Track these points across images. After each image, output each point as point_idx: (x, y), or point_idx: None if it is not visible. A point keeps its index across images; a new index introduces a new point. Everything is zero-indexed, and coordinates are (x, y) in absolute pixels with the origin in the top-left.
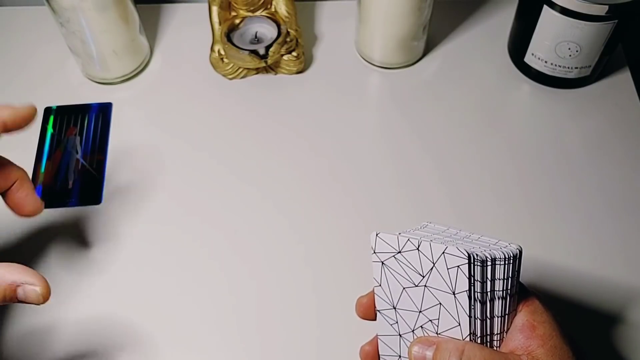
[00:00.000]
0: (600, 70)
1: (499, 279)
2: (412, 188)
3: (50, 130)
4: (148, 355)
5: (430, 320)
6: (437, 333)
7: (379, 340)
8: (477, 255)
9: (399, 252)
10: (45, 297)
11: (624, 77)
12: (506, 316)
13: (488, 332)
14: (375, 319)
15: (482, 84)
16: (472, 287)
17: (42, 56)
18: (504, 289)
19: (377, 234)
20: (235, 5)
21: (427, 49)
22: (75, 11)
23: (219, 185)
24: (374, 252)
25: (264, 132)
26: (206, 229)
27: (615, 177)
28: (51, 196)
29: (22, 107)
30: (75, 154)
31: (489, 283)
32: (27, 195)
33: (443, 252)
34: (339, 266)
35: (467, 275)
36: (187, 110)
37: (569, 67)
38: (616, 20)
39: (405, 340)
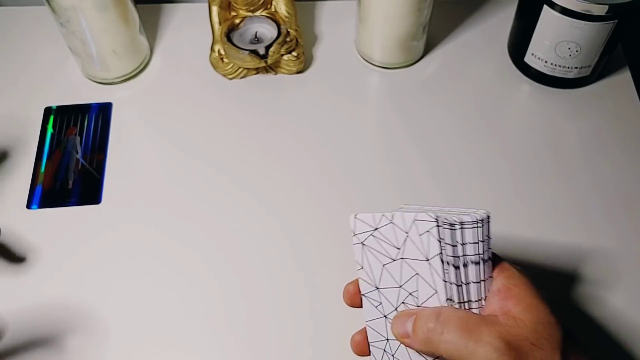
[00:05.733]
0: (600, 70)
1: (470, 243)
2: (412, 188)
3: (50, 130)
4: (149, 355)
5: (411, 294)
6: (417, 306)
7: (367, 327)
8: (445, 218)
9: (376, 228)
10: None
11: (624, 77)
12: (482, 282)
13: (465, 299)
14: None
15: (482, 84)
16: (444, 251)
17: (42, 56)
18: (476, 253)
19: (355, 216)
20: (235, 5)
21: (427, 49)
22: (75, 11)
23: (219, 183)
24: (354, 234)
25: (263, 131)
26: (206, 228)
27: (615, 177)
28: (51, 196)
29: None
30: (75, 153)
31: (460, 247)
32: None
33: (414, 220)
34: (339, 267)
35: (437, 238)
36: (187, 110)
37: (568, 67)
38: (616, 20)
39: (390, 321)
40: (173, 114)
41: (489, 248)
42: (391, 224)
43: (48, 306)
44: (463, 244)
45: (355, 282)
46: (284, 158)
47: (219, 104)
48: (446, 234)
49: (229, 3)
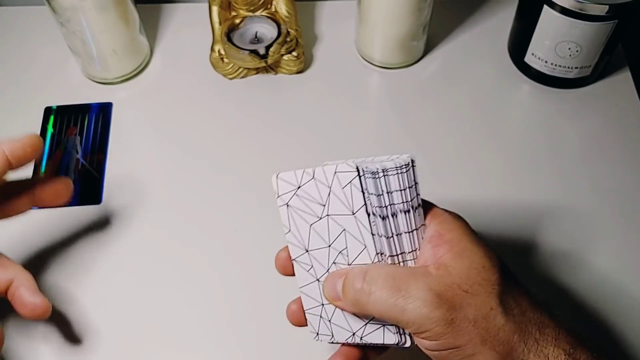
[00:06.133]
0: (600, 70)
1: (396, 191)
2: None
3: (50, 130)
4: (149, 355)
5: (340, 252)
6: (348, 264)
7: (300, 293)
8: (365, 167)
9: (299, 187)
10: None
11: (624, 77)
12: (414, 232)
13: (398, 251)
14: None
15: (482, 84)
16: (368, 202)
17: (42, 56)
18: (404, 201)
19: (277, 176)
20: (235, 5)
21: (427, 49)
22: (75, 11)
23: (219, 183)
24: (278, 196)
25: (263, 131)
26: (206, 228)
27: (615, 177)
28: None
29: (23, 138)
30: (75, 153)
31: (385, 196)
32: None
33: (335, 172)
34: None
35: (360, 189)
36: (187, 110)
37: (569, 67)
38: (616, 20)
39: (322, 284)
40: (173, 113)
41: (418, 194)
42: (313, 180)
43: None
44: (389, 193)
45: (286, 249)
46: (284, 158)
47: (219, 103)
48: (370, 183)
49: (229, 3)
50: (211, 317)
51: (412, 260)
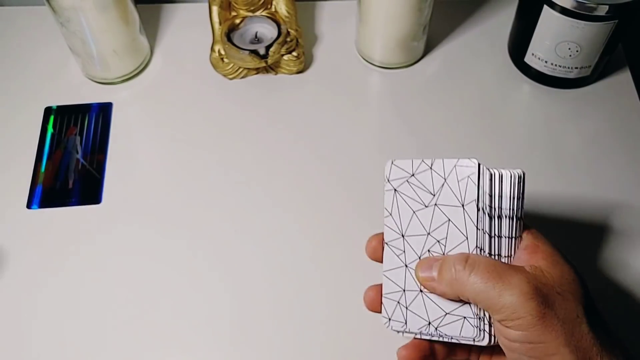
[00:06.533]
0: (600, 70)
1: (506, 197)
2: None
3: (50, 130)
4: (149, 355)
5: (438, 241)
6: (443, 253)
7: (383, 277)
8: (486, 168)
9: (412, 174)
10: None
11: (624, 77)
12: (513, 239)
13: (496, 253)
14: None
15: (482, 84)
16: (480, 198)
17: (42, 56)
18: (510, 208)
19: (392, 162)
20: (235, 5)
21: (427, 49)
22: (75, 11)
23: (218, 184)
24: (388, 181)
25: (263, 131)
26: (206, 228)
27: (615, 177)
28: (51, 196)
29: None
30: (76, 153)
31: (496, 198)
32: None
33: (455, 165)
34: (338, 265)
35: (476, 185)
36: (187, 110)
37: (569, 67)
38: (616, 20)
39: (410, 270)
40: (173, 113)
41: (522, 207)
42: (429, 170)
43: (47, 306)
44: (500, 197)
45: (379, 235)
46: (284, 157)
47: (219, 103)
48: (486, 182)
49: (229, 3)
50: (212, 317)
51: None
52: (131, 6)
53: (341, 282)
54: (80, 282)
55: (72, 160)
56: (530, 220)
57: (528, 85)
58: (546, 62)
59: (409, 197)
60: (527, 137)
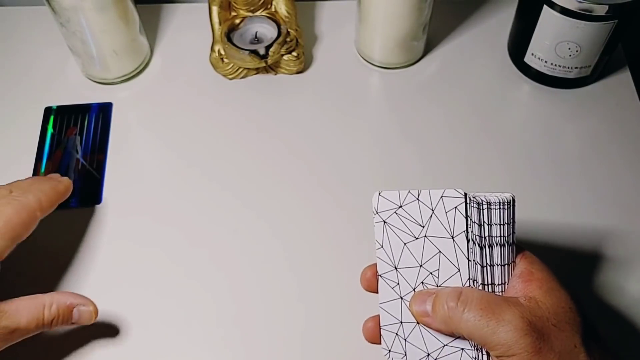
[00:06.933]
0: (600, 70)
1: (496, 224)
2: (412, 188)
3: (50, 130)
4: (148, 355)
5: (431, 273)
6: (437, 285)
7: (380, 309)
8: (472, 197)
9: (400, 206)
10: (95, 316)
11: (624, 77)
12: (506, 266)
13: (489, 282)
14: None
15: (482, 84)
16: (469, 229)
17: (42, 56)
18: (501, 235)
19: (379, 193)
20: (235, 5)
21: (427, 49)
22: (75, 11)
23: (218, 184)
24: (377, 213)
25: (264, 131)
26: (206, 228)
27: (615, 177)
28: None
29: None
30: (75, 154)
31: (486, 227)
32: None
33: (441, 196)
34: (340, 264)
35: (464, 215)
36: (187, 109)
37: (569, 67)
38: (616, 20)
39: (406, 302)
40: (173, 113)
41: (514, 232)
42: (416, 201)
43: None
44: (489, 225)
45: (372, 266)
46: (284, 157)
47: (219, 104)
48: (474, 212)
49: (229, 3)
50: (213, 317)
51: (500, 293)
52: (131, 6)
53: (341, 282)
54: (80, 282)
55: (72, 160)
56: (527, 224)
57: (528, 85)
58: (546, 62)
59: (398, 229)
60: (527, 137)
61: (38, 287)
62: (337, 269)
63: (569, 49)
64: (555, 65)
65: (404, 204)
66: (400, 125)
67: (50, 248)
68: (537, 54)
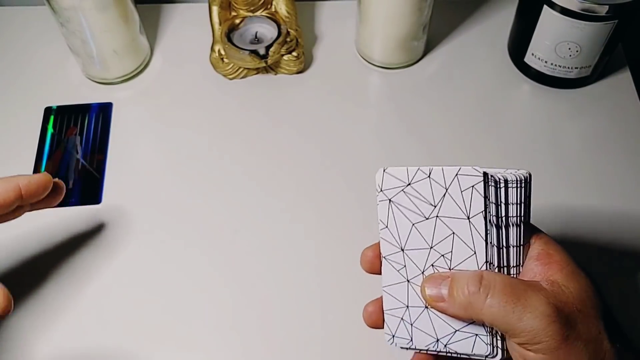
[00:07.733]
0: (600, 70)
1: (512, 204)
2: None
3: (50, 130)
4: (148, 355)
5: (442, 256)
6: (449, 269)
7: (383, 293)
8: (490, 175)
9: (409, 184)
10: (7, 309)
11: (624, 77)
12: (521, 247)
13: (505, 264)
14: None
15: (482, 84)
16: (488, 209)
17: (42, 56)
18: (518, 215)
19: (384, 170)
20: (235, 5)
21: (427, 49)
22: (75, 11)
23: (218, 184)
24: (381, 191)
25: (264, 131)
26: (206, 228)
27: (615, 177)
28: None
29: (36, 176)
30: (75, 154)
31: (503, 207)
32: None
33: (456, 174)
34: (340, 264)
35: (483, 195)
36: (187, 109)
37: (569, 67)
38: (616, 20)
39: (413, 285)
40: (173, 113)
41: (529, 211)
42: (428, 179)
43: (47, 306)
44: (506, 204)
45: (374, 247)
46: (284, 158)
47: (219, 104)
48: (491, 191)
49: (229, 3)
50: (213, 317)
51: (515, 275)
52: (131, 6)
53: (342, 282)
54: (80, 282)
55: (72, 160)
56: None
57: (528, 85)
58: (546, 62)
59: (406, 208)
60: (527, 137)
61: (38, 286)
62: (337, 269)
63: (569, 49)
64: (556, 65)
65: (412, 181)
66: (401, 125)
67: (50, 248)
68: (537, 54)
